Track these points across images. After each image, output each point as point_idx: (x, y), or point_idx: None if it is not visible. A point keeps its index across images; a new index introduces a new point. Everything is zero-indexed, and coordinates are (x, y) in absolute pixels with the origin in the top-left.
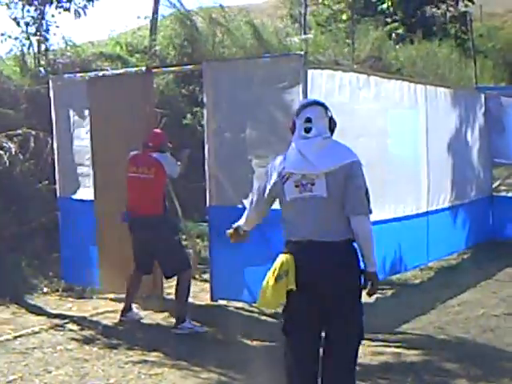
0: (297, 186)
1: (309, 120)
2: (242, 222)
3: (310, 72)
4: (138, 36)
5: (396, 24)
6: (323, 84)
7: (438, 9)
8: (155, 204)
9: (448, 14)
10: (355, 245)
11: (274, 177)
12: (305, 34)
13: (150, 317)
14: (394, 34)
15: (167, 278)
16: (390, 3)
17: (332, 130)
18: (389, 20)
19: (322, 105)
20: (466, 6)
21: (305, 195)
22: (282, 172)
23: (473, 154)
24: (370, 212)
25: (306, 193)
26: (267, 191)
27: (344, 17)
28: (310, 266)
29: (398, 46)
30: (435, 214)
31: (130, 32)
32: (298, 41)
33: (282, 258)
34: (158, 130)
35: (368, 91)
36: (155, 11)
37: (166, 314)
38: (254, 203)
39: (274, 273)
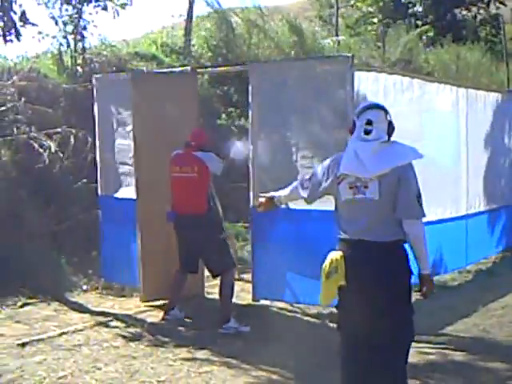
0: (351, 188)
1: (369, 122)
2: (283, 193)
3: (356, 74)
4: (173, 35)
5: (427, 27)
6: (369, 86)
7: (469, 11)
8: (199, 203)
9: (479, 17)
10: (407, 246)
11: (331, 176)
12: (336, 35)
13: (192, 316)
14: (424, 37)
15: (214, 277)
16: (421, 5)
17: (389, 135)
18: (419, 23)
19: (383, 108)
20: (498, 8)
21: (358, 197)
22: (337, 173)
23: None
24: (424, 215)
25: (360, 195)
26: (321, 188)
27: (375, 20)
28: (359, 265)
29: (428, 49)
30: (474, 217)
31: (165, 31)
32: (331, 43)
33: (331, 255)
34: (200, 129)
35: (411, 93)
36: (190, 11)
37: (209, 313)
38: (309, 190)
39: (324, 270)
